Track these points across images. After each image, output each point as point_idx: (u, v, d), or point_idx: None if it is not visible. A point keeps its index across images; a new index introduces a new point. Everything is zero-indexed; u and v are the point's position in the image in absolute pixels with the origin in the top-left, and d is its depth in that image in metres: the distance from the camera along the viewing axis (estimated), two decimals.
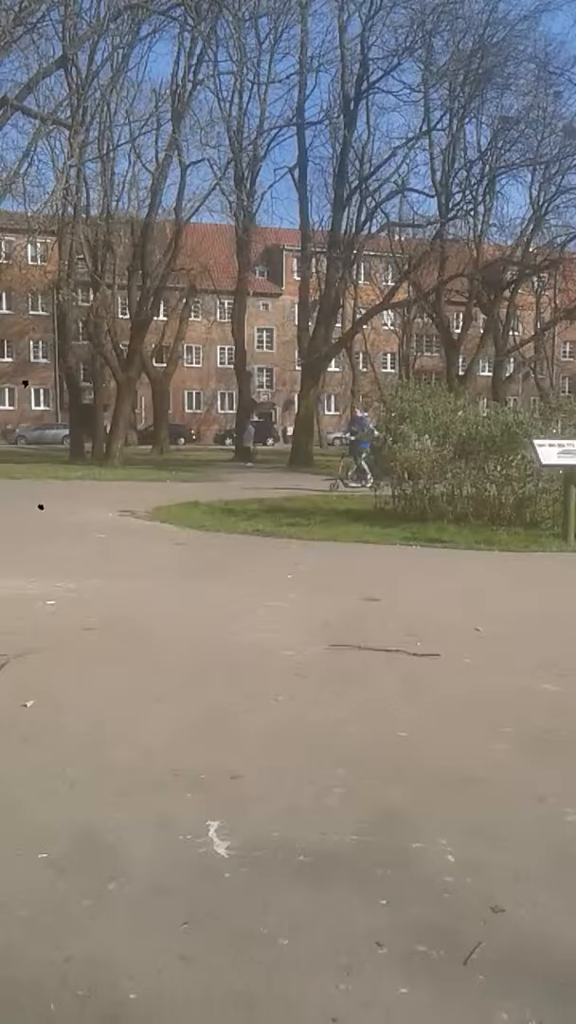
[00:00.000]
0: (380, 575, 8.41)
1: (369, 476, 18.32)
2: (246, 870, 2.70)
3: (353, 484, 18.59)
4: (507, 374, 41.19)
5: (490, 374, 41.22)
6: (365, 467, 18.81)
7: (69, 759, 3.56)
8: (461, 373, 35.81)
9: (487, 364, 43.03)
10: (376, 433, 17.50)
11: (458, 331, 38.18)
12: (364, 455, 19.12)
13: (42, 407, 55.79)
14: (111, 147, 28.37)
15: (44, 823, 2.99)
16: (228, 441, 45.71)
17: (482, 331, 38.58)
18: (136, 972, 2.18)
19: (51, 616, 6.27)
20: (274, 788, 3.32)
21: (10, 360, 55.41)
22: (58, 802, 3.17)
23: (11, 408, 55.07)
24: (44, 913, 2.45)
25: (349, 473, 19.29)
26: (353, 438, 19.99)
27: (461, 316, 39.22)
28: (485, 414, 14.24)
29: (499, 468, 12.18)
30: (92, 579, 7.70)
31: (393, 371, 52.73)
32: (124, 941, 2.32)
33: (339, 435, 54.32)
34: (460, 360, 37.46)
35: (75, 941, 2.32)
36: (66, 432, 37.53)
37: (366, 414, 21.17)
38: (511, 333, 40.82)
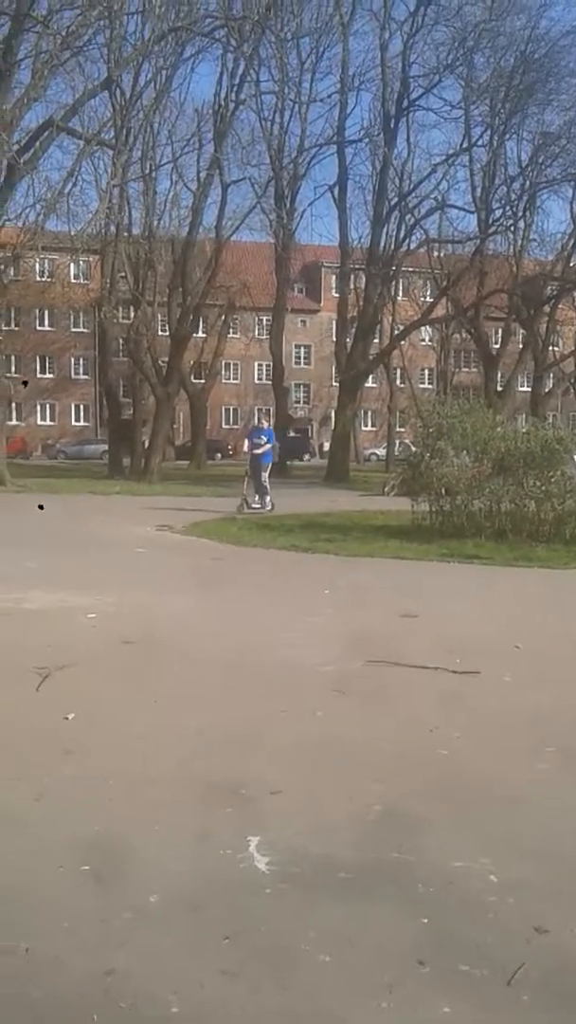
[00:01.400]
0: (418, 591, 8.37)
1: (269, 498, 16.58)
2: (286, 886, 2.69)
3: (256, 505, 16.40)
4: (547, 389, 40.86)
5: (529, 389, 40.94)
6: (267, 486, 16.78)
7: (110, 772, 3.58)
8: (500, 389, 35.60)
9: (526, 379, 42.76)
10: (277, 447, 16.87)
11: (497, 346, 37.99)
12: (266, 472, 17.04)
13: (82, 423, 56.48)
14: (153, 167, 28.85)
15: (86, 835, 3.01)
16: None
17: (521, 346, 38.36)
18: (178, 986, 2.18)
19: (92, 629, 6.33)
20: (313, 804, 3.31)
21: (51, 376, 56.23)
22: (100, 814, 3.19)
23: (52, 423, 55.83)
24: (86, 925, 2.47)
25: (251, 498, 16.66)
26: (258, 451, 17.12)
27: (500, 331, 39.06)
28: (524, 430, 14.15)
29: (538, 484, 12.07)
30: (131, 593, 7.77)
31: (431, 387, 52.60)
32: (166, 954, 2.33)
33: (375, 451, 54.41)
34: (499, 375, 37.26)
35: (117, 953, 2.33)
36: (105, 447, 37.94)
37: (269, 426, 19.01)
38: (551, 348, 40.51)
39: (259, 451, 17.01)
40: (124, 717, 4.32)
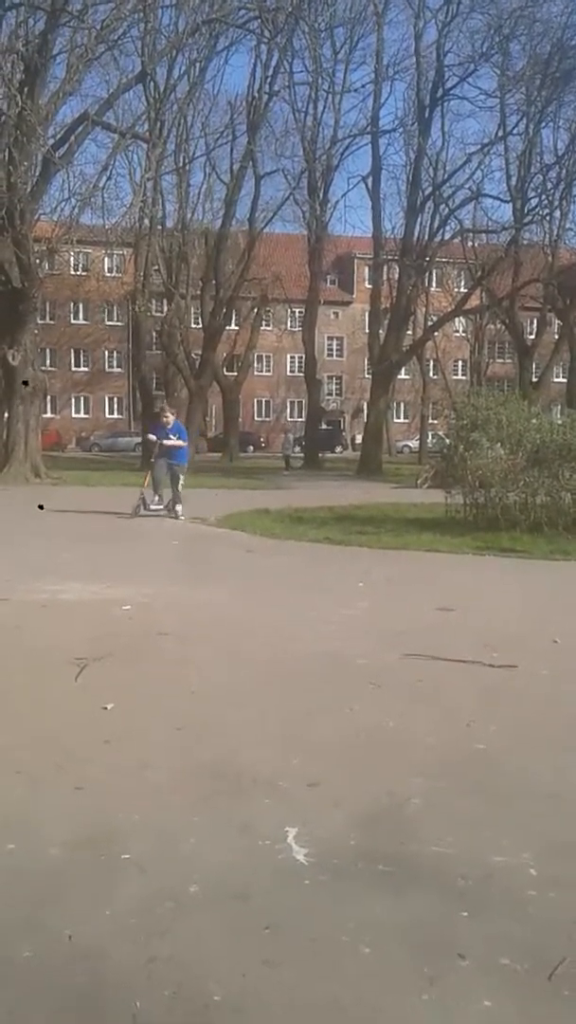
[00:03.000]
0: (453, 585, 8.34)
1: (181, 507, 13.90)
2: (326, 877, 2.71)
3: (156, 506, 13.86)
4: None
5: (565, 380, 40.50)
6: (180, 492, 14.06)
7: (149, 762, 3.62)
8: (535, 380, 35.29)
9: (562, 370, 42.32)
10: (182, 445, 14.11)
11: (532, 337, 37.64)
12: (181, 479, 14.11)
13: (115, 415, 56.88)
14: (187, 159, 28.95)
15: (126, 825, 3.04)
16: (297, 449, 45.92)
17: (557, 337, 37.98)
18: (220, 975, 2.20)
19: (127, 621, 6.38)
20: (351, 797, 3.32)
21: (86, 369, 56.68)
22: (139, 804, 3.22)
23: (86, 416, 56.31)
24: (128, 913, 2.50)
25: (149, 497, 13.96)
26: (168, 443, 14.35)
27: (535, 322, 38.68)
28: (560, 421, 14.01)
29: (574, 476, 11.96)
30: (166, 585, 7.82)
31: (464, 378, 52.23)
32: (207, 944, 2.35)
33: (407, 443, 54.19)
34: (534, 366, 36.91)
35: (159, 942, 2.35)
36: (138, 440, 38.13)
37: (176, 419, 15.45)
38: None
39: (169, 442, 14.33)
40: (161, 708, 4.36)
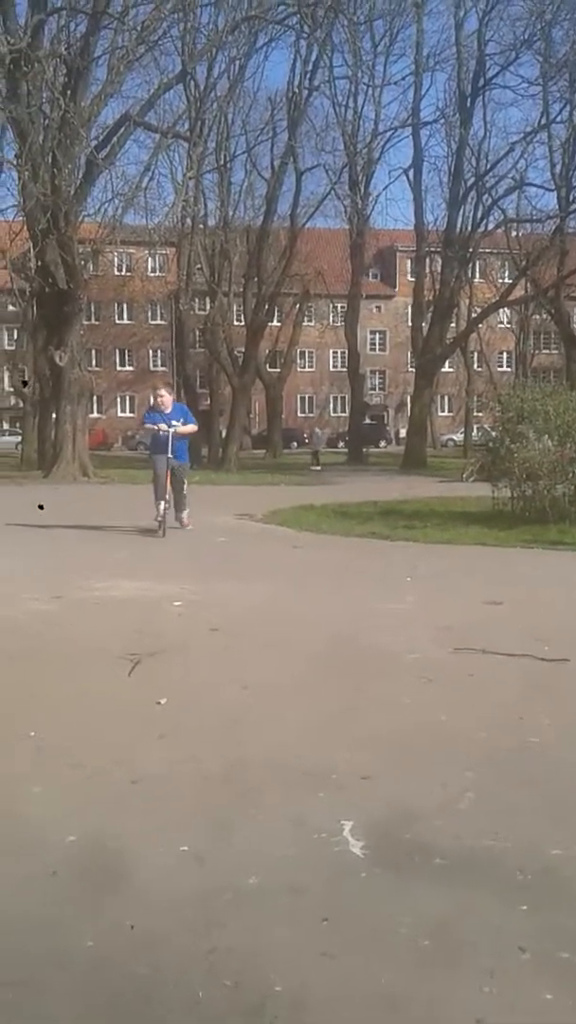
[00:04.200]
0: (501, 578, 8.27)
1: (187, 512, 11.65)
2: (381, 870, 2.71)
3: (160, 519, 11.00)
4: None
5: None
6: (187, 496, 11.65)
7: (204, 756, 3.65)
8: None
9: None
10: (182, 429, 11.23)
11: None
12: (185, 482, 11.58)
13: None
14: (228, 157, 29.08)
15: (183, 817, 3.08)
16: (341, 444, 45.86)
17: None
18: (280, 966, 2.22)
19: (178, 617, 6.45)
20: (405, 790, 3.32)
21: (131, 368, 57.27)
22: (196, 797, 3.26)
23: (131, 415, 56.86)
24: (187, 904, 2.53)
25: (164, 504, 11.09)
26: (180, 428, 11.35)
27: None
28: None
29: None
30: (215, 581, 7.87)
31: (509, 370, 51.69)
32: (266, 935, 2.37)
33: (452, 437, 53.79)
34: None
35: (219, 933, 2.38)
36: None
37: (173, 399, 12.18)
38: None
39: (183, 429, 11.43)
40: (214, 703, 4.39)
